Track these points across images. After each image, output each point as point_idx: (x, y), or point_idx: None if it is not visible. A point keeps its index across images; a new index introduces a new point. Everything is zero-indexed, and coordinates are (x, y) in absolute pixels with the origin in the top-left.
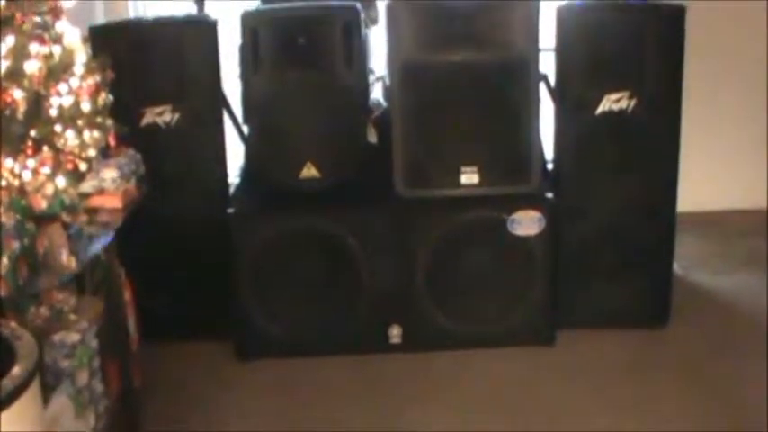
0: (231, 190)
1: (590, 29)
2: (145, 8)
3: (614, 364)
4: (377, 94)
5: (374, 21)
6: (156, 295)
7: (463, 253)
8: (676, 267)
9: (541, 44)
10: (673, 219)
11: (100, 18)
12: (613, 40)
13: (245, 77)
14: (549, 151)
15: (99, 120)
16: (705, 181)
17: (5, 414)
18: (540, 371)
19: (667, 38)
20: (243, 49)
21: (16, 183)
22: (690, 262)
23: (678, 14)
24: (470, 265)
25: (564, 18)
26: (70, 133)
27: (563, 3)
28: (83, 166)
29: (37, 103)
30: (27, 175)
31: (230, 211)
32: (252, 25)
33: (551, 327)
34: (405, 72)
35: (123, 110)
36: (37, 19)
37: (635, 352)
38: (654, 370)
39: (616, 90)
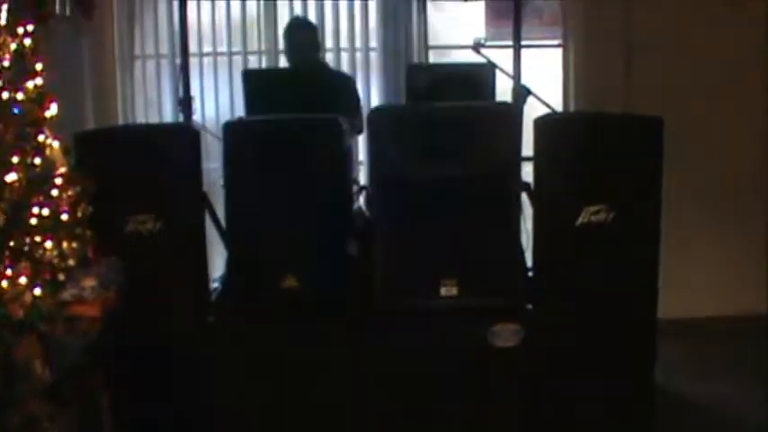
0: (213, 296)
1: (568, 141)
2: (134, 114)
3: None
4: (360, 202)
5: (359, 130)
6: (137, 402)
7: (442, 365)
8: (657, 375)
9: (524, 153)
10: (653, 327)
11: (90, 124)
12: (591, 152)
13: (229, 187)
14: (529, 260)
15: (78, 231)
16: (683, 288)
17: None
18: None
19: (645, 150)
20: (226, 159)
21: None
22: (670, 369)
23: (655, 126)
24: (449, 376)
25: (542, 130)
26: (49, 244)
27: (541, 115)
28: (61, 276)
29: (16, 213)
30: (4, 284)
31: (210, 319)
32: (235, 136)
33: None
34: (386, 183)
35: (107, 217)
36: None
37: None
38: None
39: (595, 202)
